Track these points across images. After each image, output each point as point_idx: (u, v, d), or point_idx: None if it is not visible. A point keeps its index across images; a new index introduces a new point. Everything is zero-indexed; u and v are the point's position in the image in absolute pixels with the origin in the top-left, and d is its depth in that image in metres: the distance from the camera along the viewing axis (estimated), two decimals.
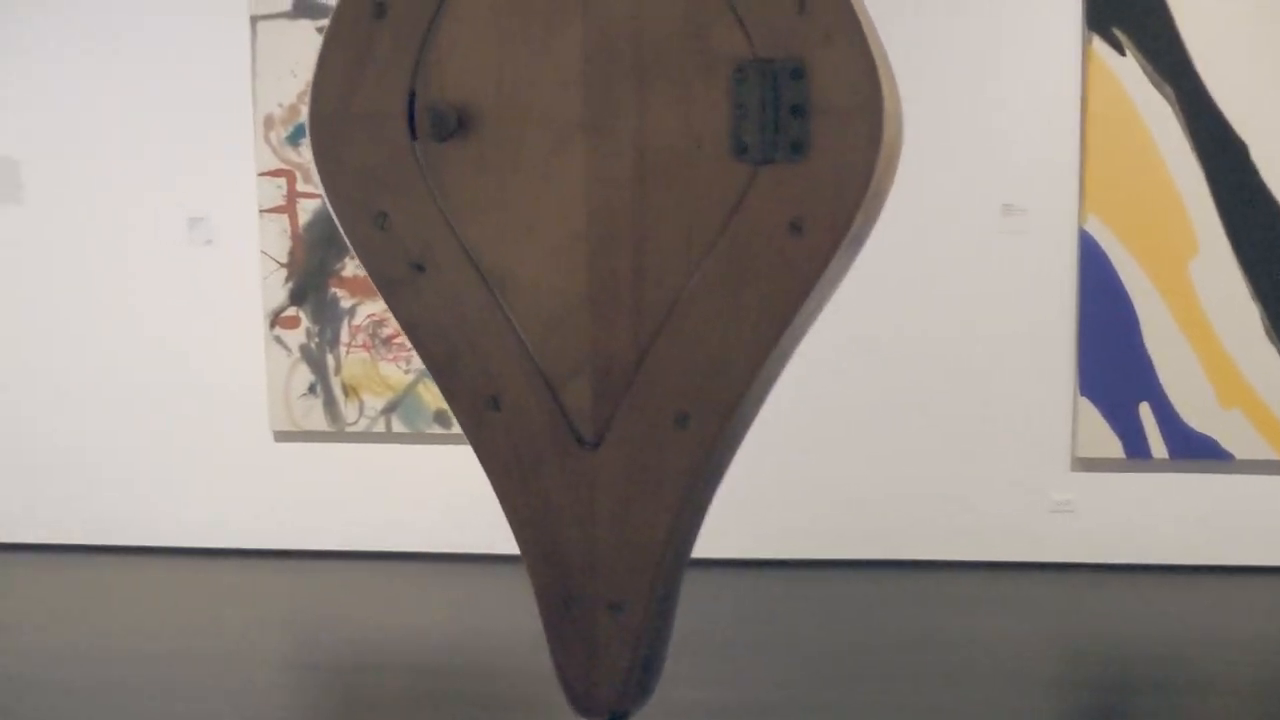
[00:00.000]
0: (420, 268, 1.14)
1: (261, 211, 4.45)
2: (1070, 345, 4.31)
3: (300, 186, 4.41)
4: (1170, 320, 4.28)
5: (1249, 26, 4.18)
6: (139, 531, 4.58)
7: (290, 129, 4.43)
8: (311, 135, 1.13)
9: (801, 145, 1.07)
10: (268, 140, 4.44)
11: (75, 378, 4.54)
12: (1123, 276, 4.28)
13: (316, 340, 4.45)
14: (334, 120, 1.14)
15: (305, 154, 4.33)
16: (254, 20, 4.40)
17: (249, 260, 4.46)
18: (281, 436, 4.51)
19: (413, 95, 1.13)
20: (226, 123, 4.45)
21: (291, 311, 4.47)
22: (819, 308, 1.17)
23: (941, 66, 4.22)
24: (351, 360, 4.44)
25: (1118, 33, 4.20)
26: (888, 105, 1.09)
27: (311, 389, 4.47)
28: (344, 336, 4.44)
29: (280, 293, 4.46)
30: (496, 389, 1.15)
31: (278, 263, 4.46)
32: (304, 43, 4.35)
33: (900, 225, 4.18)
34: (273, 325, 4.47)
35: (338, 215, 1.16)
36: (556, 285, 1.13)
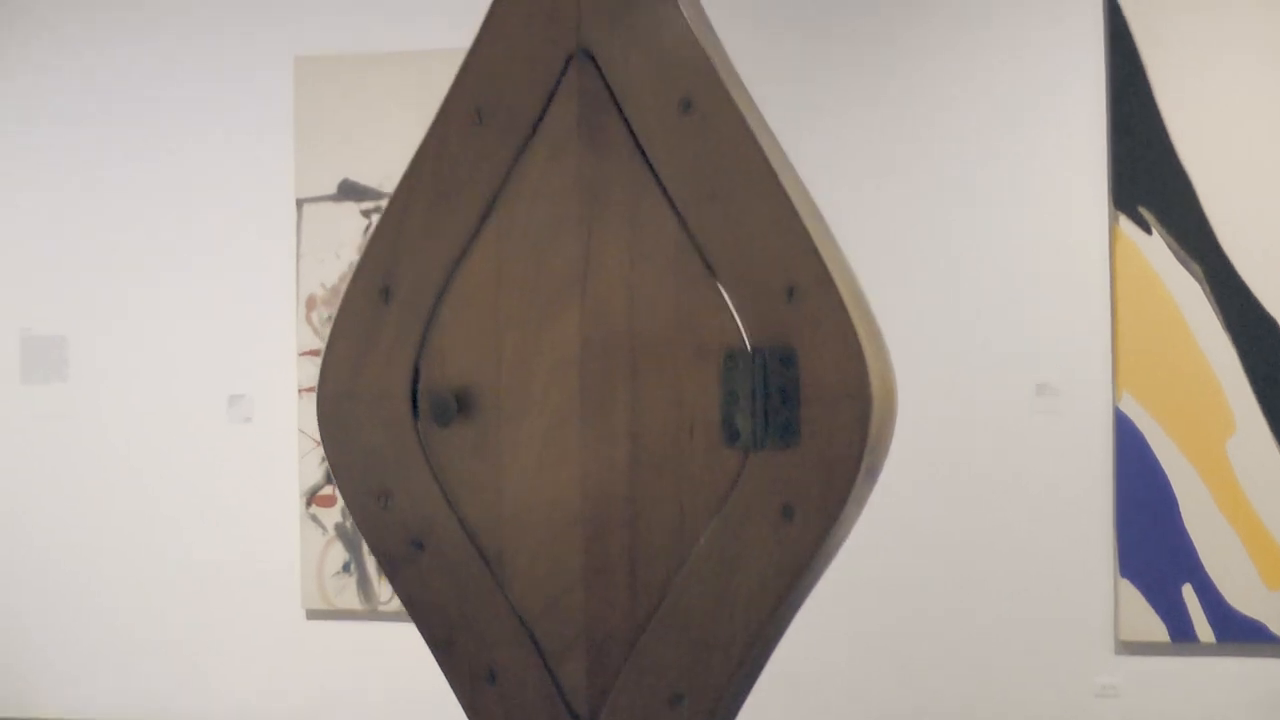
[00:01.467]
0: (420, 545, 1.16)
1: (301, 390, 4.51)
2: (1109, 526, 4.24)
3: None
4: (1210, 500, 4.22)
5: (1274, 205, 4.21)
6: (171, 708, 4.55)
7: (332, 310, 4.52)
8: (319, 415, 1.17)
9: (792, 431, 1.10)
10: (309, 320, 4.53)
11: (111, 551, 4.58)
12: (1159, 455, 4.23)
13: (351, 519, 4.47)
14: (341, 400, 1.17)
15: None
16: (300, 203, 4.52)
17: (287, 438, 4.51)
18: (314, 615, 4.51)
19: (416, 375, 1.16)
20: (269, 302, 4.54)
21: (328, 490, 4.50)
22: (814, 582, 1.17)
23: (970, 249, 4.27)
24: None
25: (1144, 211, 4.24)
26: (876, 390, 1.11)
27: (345, 567, 4.48)
28: None
29: (317, 471, 4.50)
30: (493, 663, 1.17)
31: (314, 440, 4.50)
32: (347, 225, 4.47)
33: (932, 410, 4.22)
34: (309, 503, 4.50)
35: (343, 492, 1.19)
36: (553, 565, 1.15)
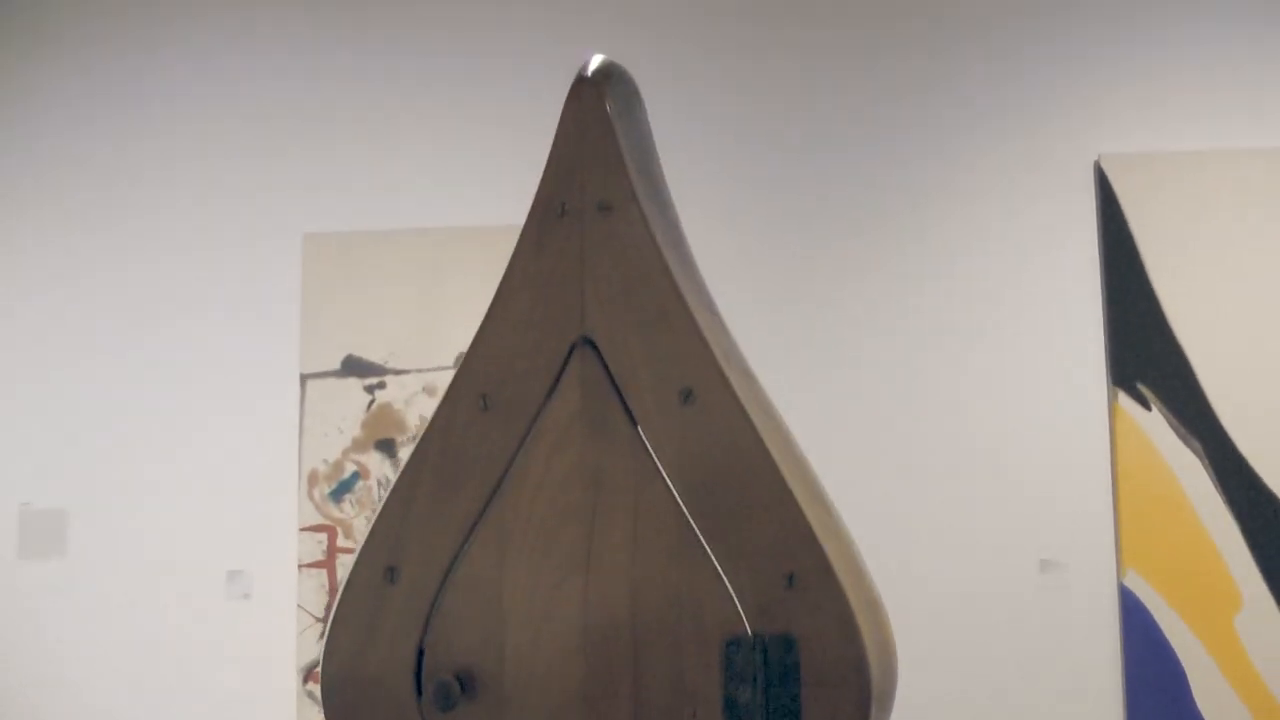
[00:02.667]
0: None
1: (301, 566, 4.50)
2: (1118, 703, 4.20)
3: (341, 542, 4.48)
4: (1219, 676, 4.18)
5: (1272, 381, 4.25)
6: None
7: (334, 485, 4.54)
8: (324, 697, 1.17)
9: (793, 714, 1.10)
10: (311, 496, 4.54)
11: None
12: (1167, 631, 4.20)
13: None
14: (345, 683, 1.18)
15: (347, 510, 4.44)
16: (304, 378, 4.57)
17: (286, 614, 4.48)
18: None
19: (420, 658, 1.17)
20: (271, 477, 4.55)
21: None
22: None
23: (970, 426, 4.30)
24: None
25: (1142, 388, 4.28)
26: (875, 670, 1.12)
27: None
28: None
29: (315, 648, 4.46)
30: None
31: (314, 617, 4.48)
32: (351, 401, 4.51)
33: (935, 589, 4.21)
34: (305, 680, 4.46)
35: None
36: None
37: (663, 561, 1.16)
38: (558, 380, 1.21)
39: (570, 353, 1.21)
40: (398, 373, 4.53)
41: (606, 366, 1.20)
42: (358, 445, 4.53)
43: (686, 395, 1.17)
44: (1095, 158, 4.33)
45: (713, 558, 1.15)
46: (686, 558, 1.15)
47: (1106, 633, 4.22)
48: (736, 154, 4.48)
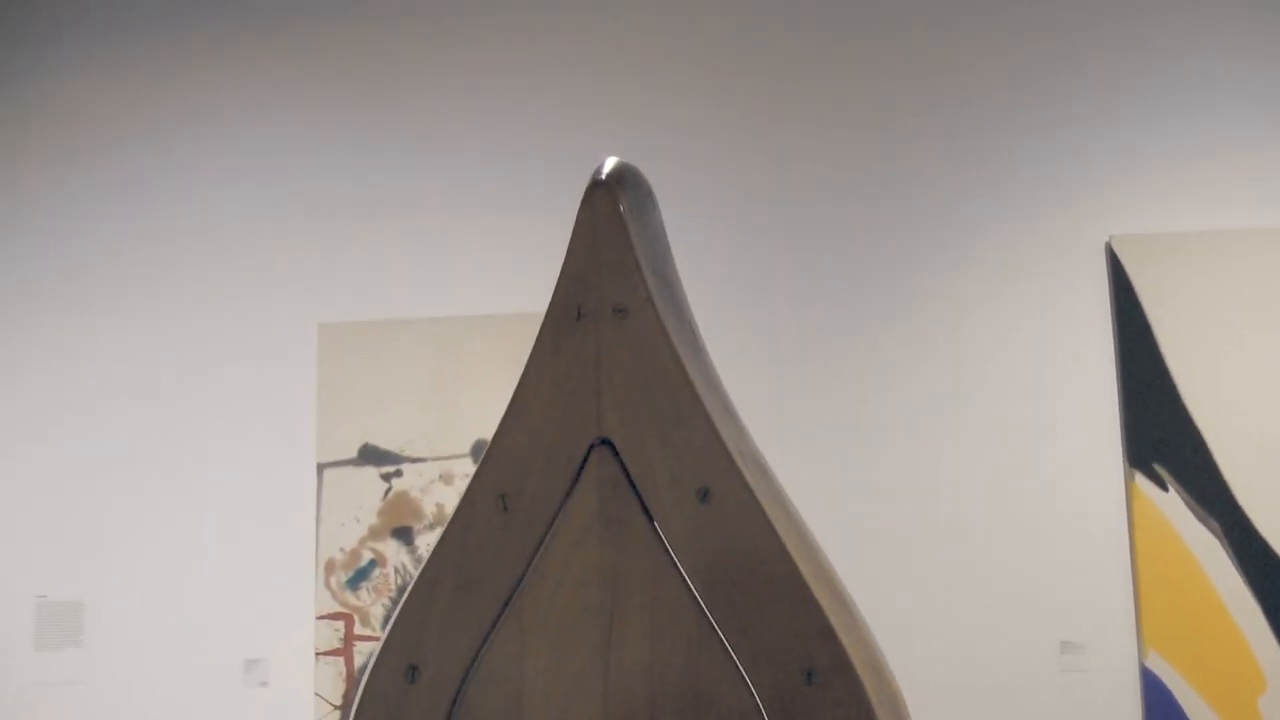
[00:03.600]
0: None
1: (318, 654, 4.49)
2: None
3: (358, 629, 4.47)
4: None
5: None
6: None
7: (351, 573, 4.54)
8: None
9: None
10: (328, 584, 4.55)
11: None
12: (1190, 713, 4.16)
13: None
14: None
15: (364, 598, 4.44)
16: (320, 468, 4.59)
17: (303, 703, 4.47)
18: None
19: None
20: (288, 565, 4.56)
21: None
22: None
23: (989, 508, 4.30)
24: None
25: (1159, 469, 4.28)
26: None
27: None
28: None
29: None
30: None
31: (331, 705, 4.46)
32: (367, 489, 4.53)
33: (957, 675, 4.19)
34: None
35: None
36: None
37: (681, 657, 1.16)
38: (576, 480, 1.22)
39: (588, 454, 1.23)
40: (414, 460, 4.55)
41: (624, 466, 1.22)
42: (374, 533, 4.54)
43: (704, 494, 1.19)
44: (1107, 239, 4.37)
45: (732, 653, 1.16)
46: (705, 653, 1.16)
47: (1129, 715, 4.18)
48: (753, 251, 4.53)
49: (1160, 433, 4.30)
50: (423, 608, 1.23)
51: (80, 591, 4.66)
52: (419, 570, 1.24)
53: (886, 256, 4.48)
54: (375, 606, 4.48)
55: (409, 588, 1.23)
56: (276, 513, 4.61)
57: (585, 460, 1.23)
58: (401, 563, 4.48)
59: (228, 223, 4.78)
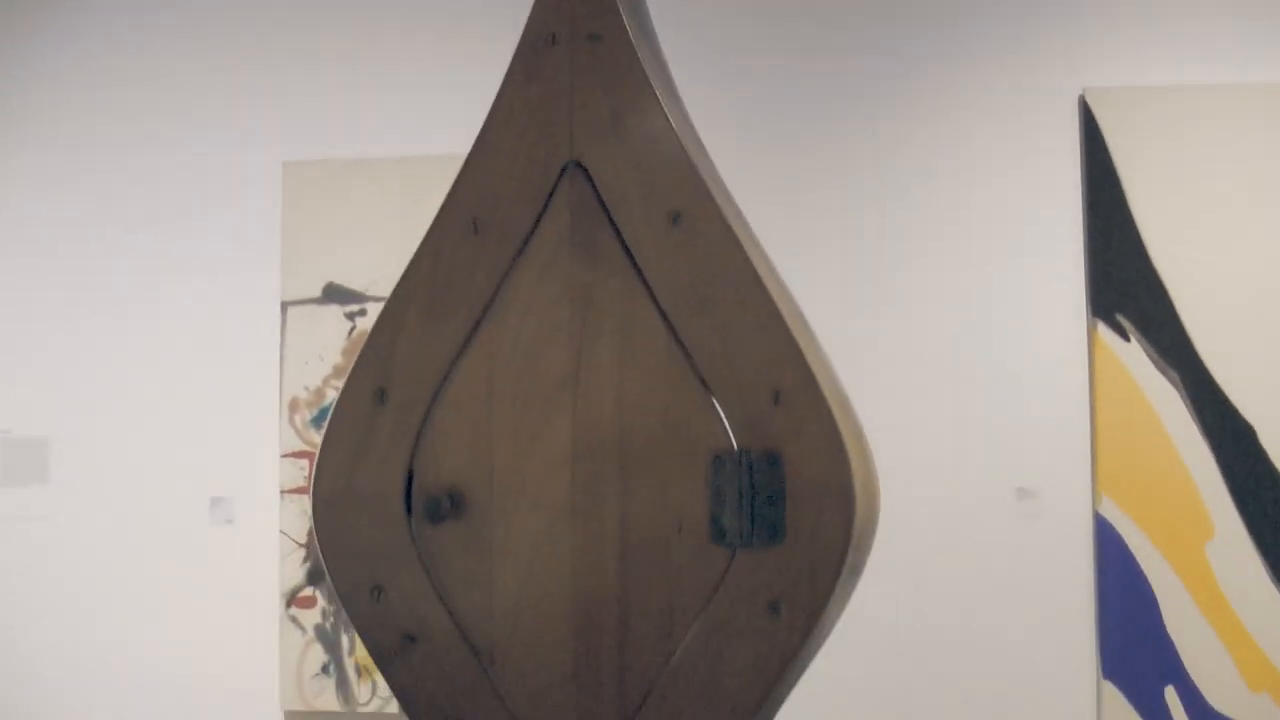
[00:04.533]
0: (412, 639, 1.18)
1: (283, 492, 4.51)
2: (1090, 628, 4.25)
3: None
4: (1191, 602, 4.24)
5: (1249, 313, 4.29)
6: None
7: (315, 412, 4.54)
8: (314, 514, 1.19)
9: (777, 531, 1.13)
10: (292, 423, 4.55)
11: (89, 654, 4.53)
12: (1140, 558, 4.26)
13: (332, 620, 4.45)
14: (336, 500, 1.20)
15: None
16: (284, 305, 4.56)
17: (268, 540, 4.50)
18: (292, 717, 4.46)
19: (410, 475, 1.19)
20: (252, 404, 4.56)
21: (308, 591, 4.48)
22: (798, 677, 1.19)
23: (950, 355, 4.32)
24: None
25: (1121, 319, 4.31)
26: (859, 490, 1.14)
27: (325, 669, 4.44)
28: None
29: (298, 573, 4.48)
30: None
31: (296, 543, 4.49)
32: (331, 328, 4.51)
33: (912, 513, 4.25)
34: (289, 604, 4.48)
35: (337, 588, 1.21)
36: (543, 660, 1.16)
37: (650, 380, 1.17)
38: (547, 204, 1.22)
39: (560, 177, 1.23)
40: (379, 300, 4.53)
41: (596, 190, 1.21)
42: (338, 372, 4.53)
43: (675, 218, 1.19)
44: (1080, 91, 4.35)
45: (700, 376, 1.17)
46: (673, 376, 1.17)
47: (1080, 559, 4.26)
48: (732, 57, 4.48)
49: (1124, 284, 4.32)
50: (393, 331, 1.23)
51: (45, 427, 4.65)
52: (388, 298, 1.24)
53: (861, 101, 4.45)
54: None
55: (378, 316, 1.23)
56: (240, 351, 4.59)
57: (557, 183, 1.22)
58: None
59: (191, 57, 4.69)
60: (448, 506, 1.16)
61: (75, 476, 4.63)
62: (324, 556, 1.23)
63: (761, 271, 1.19)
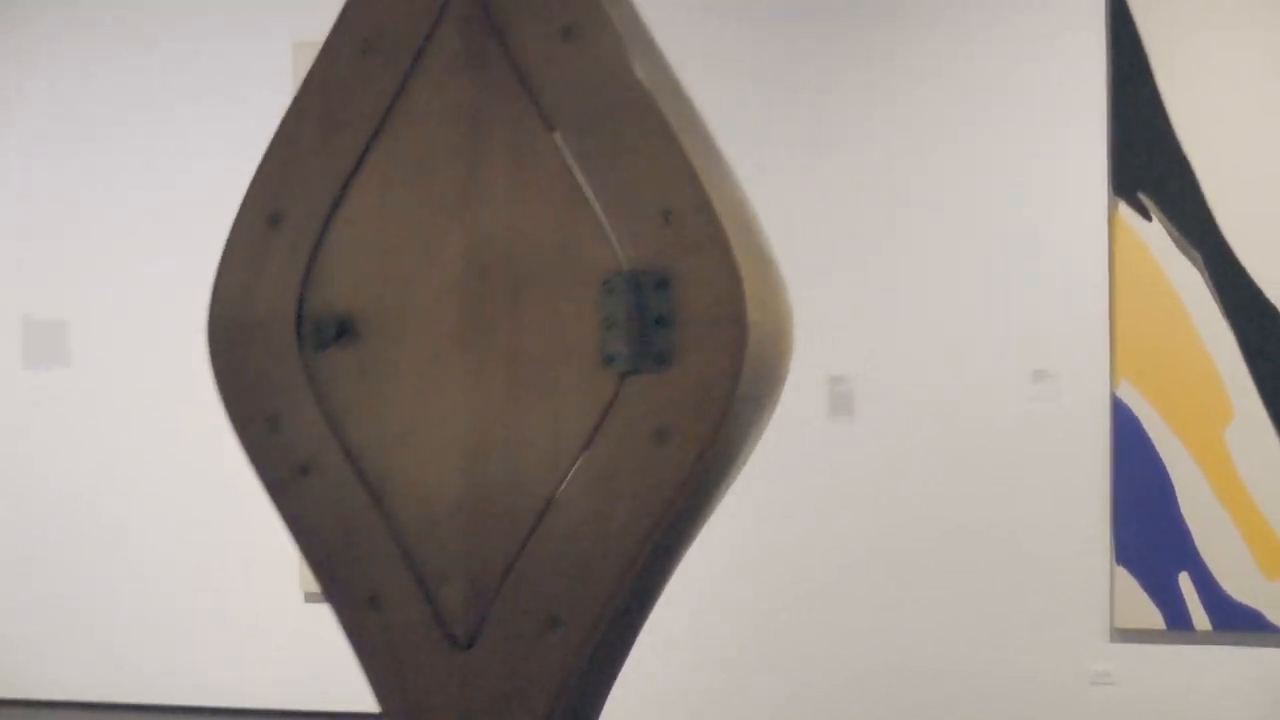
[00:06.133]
0: (305, 470, 1.17)
1: None
2: (1105, 513, 4.21)
3: None
4: (1207, 488, 4.18)
5: (1276, 194, 4.17)
6: (166, 689, 4.59)
7: None
8: (209, 339, 1.18)
9: (666, 356, 1.09)
10: None
11: (110, 534, 4.62)
12: (1156, 443, 4.19)
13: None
14: (230, 326, 1.19)
15: None
16: None
17: None
18: (312, 598, 4.52)
19: (304, 301, 1.17)
20: None
21: None
22: (702, 511, 1.17)
23: (967, 234, 4.25)
24: None
25: (1144, 198, 4.21)
26: (755, 316, 1.11)
27: None
28: None
29: None
30: (375, 589, 1.17)
31: None
32: None
33: (928, 395, 4.22)
34: None
35: (231, 417, 1.20)
36: (433, 489, 1.15)
37: (541, 201, 1.14)
38: (438, 20, 1.18)
39: None
40: None
41: (486, 6, 1.17)
42: None
43: (566, 32, 1.14)
44: None
45: (591, 196, 1.13)
46: (564, 197, 1.14)
47: (1097, 442, 4.20)
48: None
49: (1148, 162, 4.20)
50: (284, 156, 1.20)
51: (65, 311, 4.69)
52: (280, 121, 1.21)
53: None
54: None
55: (271, 139, 1.20)
56: None
57: (446, 1, 1.18)
58: None
59: None
60: (333, 332, 1.14)
61: (95, 358, 4.67)
62: (219, 386, 1.22)
63: (658, 88, 1.14)
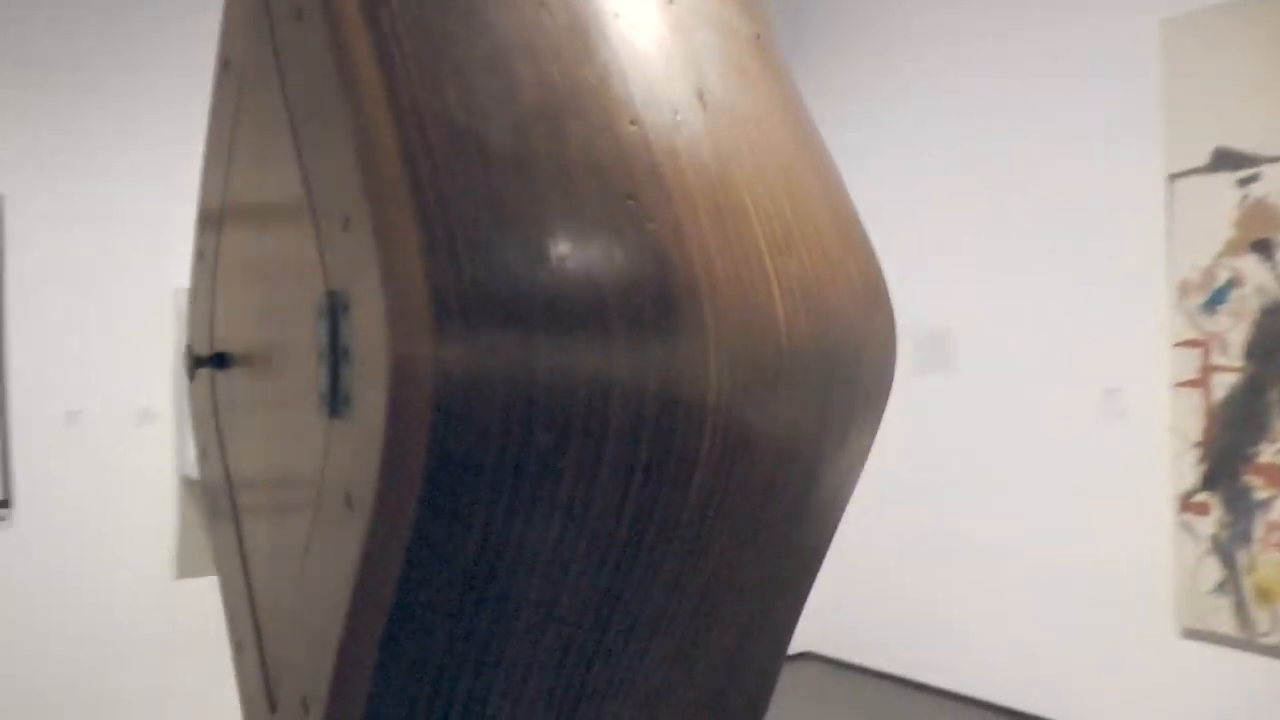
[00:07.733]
0: (215, 506, 1.14)
1: (1175, 385, 4.08)
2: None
3: (1214, 359, 3.97)
4: None
5: None
6: (1027, 701, 4.47)
7: (1206, 295, 4.02)
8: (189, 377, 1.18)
9: (349, 399, 0.85)
10: (1181, 307, 4.08)
11: (980, 541, 4.60)
12: None
13: (1228, 532, 3.93)
14: (185, 358, 1.19)
15: (1221, 323, 3.92)
16: (1171, 178, 4.10)
17: (1158, 436, 4.12)
18: (1189, 634, 4.05)
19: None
20: (1137, 288, 4.20)
21: (1201, 497, 4.01)
22: (421, 591, 0.87)
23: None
24: (1265, 561, 3.83)
25: None
26: (419, 351, 0.79)
27: (1220, 587, 3.94)
28: (1257, 531, 3.85)
29: (1190, 474, 4.03)
30: (240, 636, 1.09)
31: (1190, 442, 4.04)
32: (1223, 198, 3.95)
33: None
34: (1181, 509, 4.05)
35: (196, 457, 1.21)
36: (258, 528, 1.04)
37: (278, 209, 0.94)
38: (271, 29, 1.03)
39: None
40: (1273, 161, 3.84)
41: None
42: (1230, 248, 3.95)
43: (298, 14, 0.93)
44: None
45: (310, 205, 0.91)
46: (292, 204, 0.93)
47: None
48: None
49: None
50: (204, 184, 1.17)
51: (950, 321, 4.77)
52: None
53: None
54: (1233, 332, 3.92)
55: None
56: (1123, 230, 4.25)
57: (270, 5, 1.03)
58: (1260, 282, 3.85)
59: None
60: (193, 366, 1.07)
61: (978, 367, 4.70)
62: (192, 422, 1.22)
63: (364, 79, 0.87)
